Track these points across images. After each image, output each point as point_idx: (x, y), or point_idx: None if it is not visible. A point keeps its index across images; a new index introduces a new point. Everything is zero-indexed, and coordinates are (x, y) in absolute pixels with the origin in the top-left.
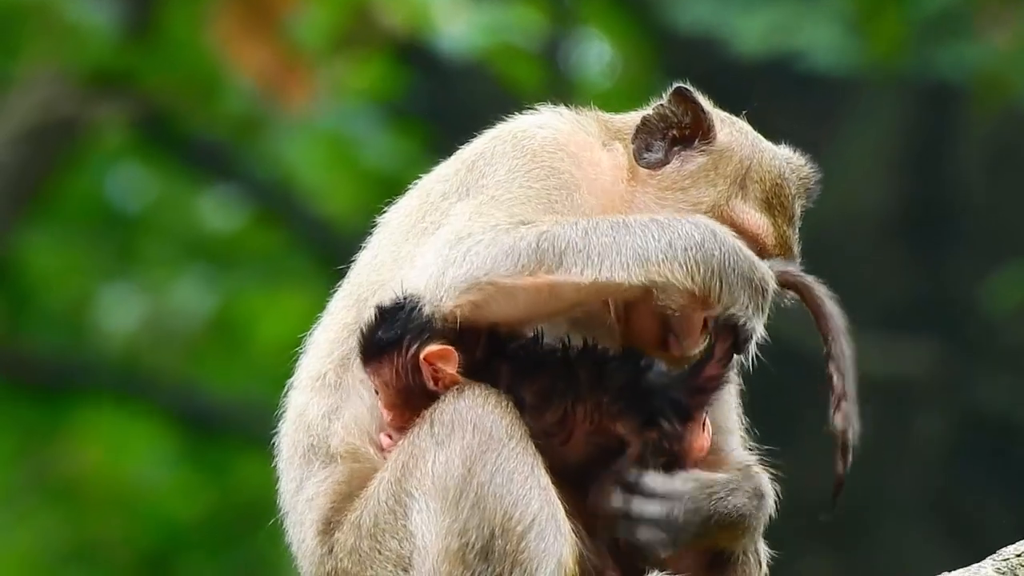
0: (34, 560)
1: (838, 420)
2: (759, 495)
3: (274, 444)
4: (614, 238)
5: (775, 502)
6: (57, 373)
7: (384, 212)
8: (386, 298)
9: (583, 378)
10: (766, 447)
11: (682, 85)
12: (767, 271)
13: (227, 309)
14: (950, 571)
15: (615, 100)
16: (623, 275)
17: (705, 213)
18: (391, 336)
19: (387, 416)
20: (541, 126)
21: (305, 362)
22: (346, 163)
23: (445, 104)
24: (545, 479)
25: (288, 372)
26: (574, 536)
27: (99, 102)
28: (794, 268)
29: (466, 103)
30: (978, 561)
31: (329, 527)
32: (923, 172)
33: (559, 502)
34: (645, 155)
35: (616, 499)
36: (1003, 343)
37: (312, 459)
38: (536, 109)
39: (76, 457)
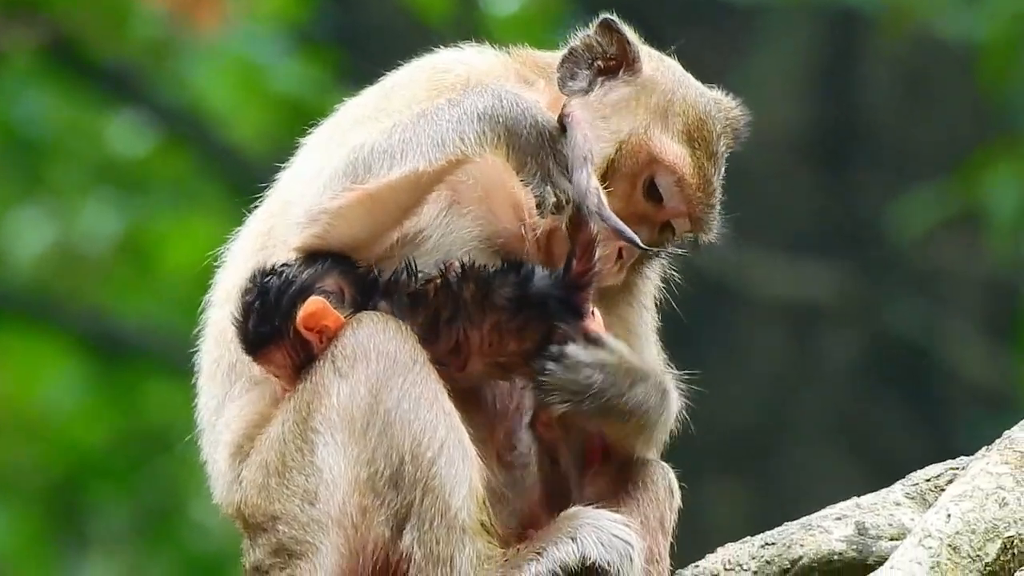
0: None
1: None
2: (665, 396)
3: (184, 368)
4: (414, 130)
5: (682, 421)
6: None
7: (308, 134)
8: (243, 284)
9: (469, 300)
10: (676, 371)
11: (609, 16)
12: (551, 122)
13: (136, 234)
14: (859, 495)
15: (523, 28)
16: (424, 163)
17: (623, 141)
18: (266, 329)
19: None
20: (460, 62)
21: (222, 276)
22: (254, 89)
23: (354, 30)
24: (449, 404)
25: (197, 299)
26: (480, 461)
27: (7, 26)
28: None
29: (375, 29)
30: (887, 486)
31: (240, 451)
32: (832, 96)
33: (463, 427)
34: (569, 83)
35: (539, 364)
36: (911, 267)
37: (234, 379)
38: (462, 46)
39: None
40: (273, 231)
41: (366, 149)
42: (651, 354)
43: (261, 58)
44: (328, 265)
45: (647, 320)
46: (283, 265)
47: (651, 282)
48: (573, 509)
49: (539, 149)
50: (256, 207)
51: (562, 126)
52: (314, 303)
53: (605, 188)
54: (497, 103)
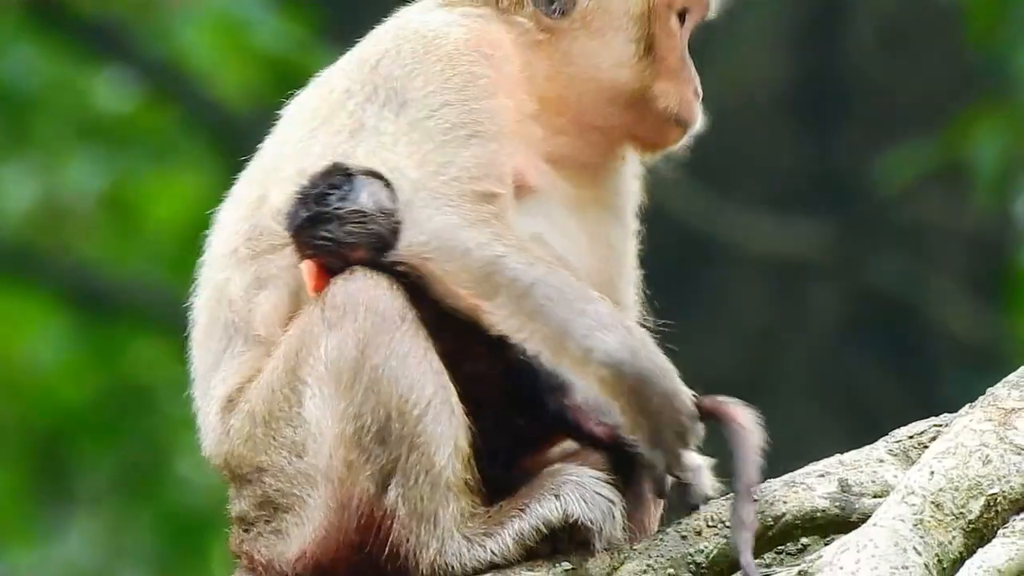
0: None
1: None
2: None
3: (170, 324)
4: (553, 310)
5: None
6: None
7: (286, 105)
8: (311, 179)
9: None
10: (663, 323)
11: None
12: (684, 395)
13: (120, 190)
14: (843, 452)
15: None
16: (534, 346)
17: (644, 13)
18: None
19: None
20: (447, 25)
21: (214, 240)
22: (238, 45)
23: None
24: (438, 362)
25: (183, 255)
26: (467, 419)
27: None
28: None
29: None
30: (871, 442)
31: (231, 404)
32: (817, 48)
33: (452, 385)
34: (553, 5)
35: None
36: (896, 221)
37: (234, 335)
38: (424, 8)
39: None
40: (263, 200)
41: (503, 273)
42: (630, 296)
43: (242, 14)
44: (376, 238)
45: (631, 249)
46: (346, 187)
47: (636, 198)
48: (556, 465)
49: (660, 417)
50: (242, 172)
51: (703, 413)
52: (309, 267)
53: (655, 50)
54: (637, 353)
